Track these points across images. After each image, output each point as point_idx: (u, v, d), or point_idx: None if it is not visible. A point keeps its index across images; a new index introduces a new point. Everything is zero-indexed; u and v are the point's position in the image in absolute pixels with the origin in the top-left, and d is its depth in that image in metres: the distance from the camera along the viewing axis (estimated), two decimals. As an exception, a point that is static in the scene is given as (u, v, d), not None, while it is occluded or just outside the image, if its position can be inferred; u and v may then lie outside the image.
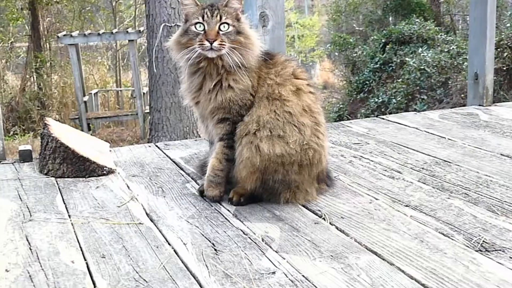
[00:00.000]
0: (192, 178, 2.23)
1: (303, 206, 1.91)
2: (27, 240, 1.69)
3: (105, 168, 2.29)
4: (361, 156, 2.45)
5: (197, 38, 1.87)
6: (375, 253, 1.54)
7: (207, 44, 1.85)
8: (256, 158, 1.86)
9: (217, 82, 1.91)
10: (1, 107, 8.83)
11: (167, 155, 2.57)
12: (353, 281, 1.40)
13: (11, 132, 11.54)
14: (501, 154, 2.41)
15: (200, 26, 1.88)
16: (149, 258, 1.55)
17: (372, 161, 2.38)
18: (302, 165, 1.90)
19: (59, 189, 2.14)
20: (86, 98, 11.36)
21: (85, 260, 1.55)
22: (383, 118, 3.19)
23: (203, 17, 1.87)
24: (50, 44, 14.42)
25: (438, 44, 9.27)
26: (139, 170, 2.36)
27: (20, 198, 2.04)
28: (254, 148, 1.86)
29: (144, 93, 11.22)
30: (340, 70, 12.14)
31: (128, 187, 2.15)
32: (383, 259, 1.51)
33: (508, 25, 8.23)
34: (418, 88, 8.31)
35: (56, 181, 2.22)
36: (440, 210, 1.83)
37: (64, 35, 11.33)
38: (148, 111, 9.82)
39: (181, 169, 2.36)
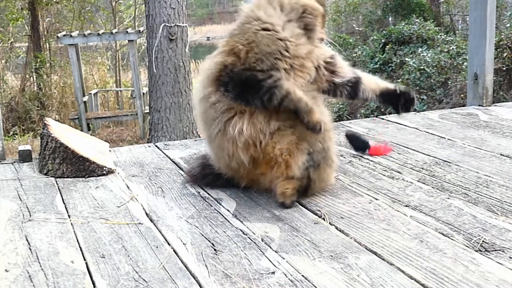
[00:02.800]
0: (192, 178, 2.23)
1: (303, 206, 1.91)
2: (27, 240, 1.69)
3: (104, 168, 2.29)
4: (361, 156, 2.45)
5: None
6: (375, 253, 1.54)
7: None
8: None
9: None
10: (0, 107, 8.83)
11: (166, 155, 2.57)
12: (352, 281, 1.40)
13: (11, 132, 11.54)
14: (501, 154, 2.41)
15: None
16: (149, 258, 1.55)
17: (371, 161, 2.38)
18: None
19: (58, 189, 2.14)
20: (85, 98, 11.35)
21: (84, 260, 1.55)
22: (383, 118, 3.19)
23: None
24: (50, 44, 14.42)
25: (438, 44, 9.28)
26: (139, 170, 2.35)
27: (20, 198, 2.04)
28: None
29: (143, 93, 11.22)
30: (339, 70, 12.10)
31: (127, 187, 2.15)
32: (383, 259, 1.51)
33: (508, 25, 8.24)
34: (417, 88, 8.31)
35: (56, 181, 2.22)
36: (440, 210, 1.83)
37: (64, 35, 11.32)
38: (147, 111, 9.82)
39: (181, 169, 2.36)
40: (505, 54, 7.14)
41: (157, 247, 1.62)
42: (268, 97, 1.84)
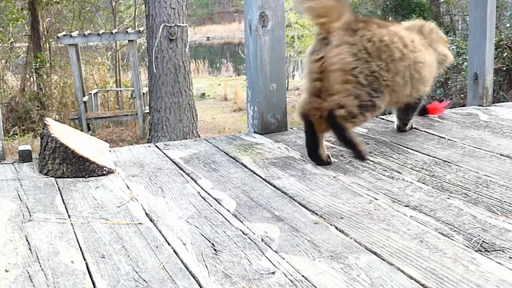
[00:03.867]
0: (192, 178, 2.23)
1: (303, 206, 1.91)
2: (27, 240, 1.69)
3: (104, 168, 2.29)
4: (361, 156, 2.45)
5: None
6: (375, 253, 1.54)
7: None
8: None
9: None
10: (0, 107, 8.83)
11: (166, 155, 2.57)
12: (352, 281, 1.40)
13: (11, 132, 11.55)
14: (501, 154, 2.41)
15: None
16: (149, 258, 1.55)
17: (371, 161, 2.38)
18: None
19: (58, 189, 2.14)
20: (85, 98, 11.36)
21: (84, 260, 1.55)
22: (383, 118, 3.19)
23: None
24: (50, 44, 14.44)
25: (438, 44, 9.26)
26: (139, 170, 2.36)
27: (20, 198, 2.04)
28: None
29: (143, 93, 11.23)
30: (340, 70, 12.10)
31: (127, 187, 2.15)
32: (383, 259, 1.51)
33: (508, 25, 8.24)
34: (417, 88, 8.30)
35: (56, 181, 2.22)
36: (440, 210, 1.83)
37: (64, 35, 11.34)
38: (147, 111, 9.82)
39: (181, 169, 2.36)
40: (505, 54, 7.15)
41: (157, 247, 1.62)
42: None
